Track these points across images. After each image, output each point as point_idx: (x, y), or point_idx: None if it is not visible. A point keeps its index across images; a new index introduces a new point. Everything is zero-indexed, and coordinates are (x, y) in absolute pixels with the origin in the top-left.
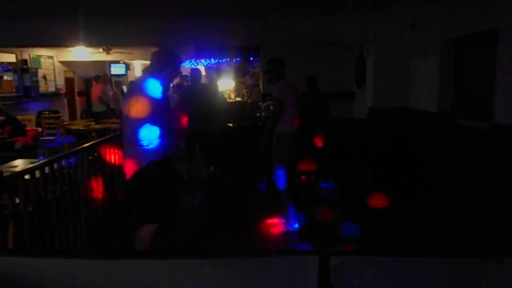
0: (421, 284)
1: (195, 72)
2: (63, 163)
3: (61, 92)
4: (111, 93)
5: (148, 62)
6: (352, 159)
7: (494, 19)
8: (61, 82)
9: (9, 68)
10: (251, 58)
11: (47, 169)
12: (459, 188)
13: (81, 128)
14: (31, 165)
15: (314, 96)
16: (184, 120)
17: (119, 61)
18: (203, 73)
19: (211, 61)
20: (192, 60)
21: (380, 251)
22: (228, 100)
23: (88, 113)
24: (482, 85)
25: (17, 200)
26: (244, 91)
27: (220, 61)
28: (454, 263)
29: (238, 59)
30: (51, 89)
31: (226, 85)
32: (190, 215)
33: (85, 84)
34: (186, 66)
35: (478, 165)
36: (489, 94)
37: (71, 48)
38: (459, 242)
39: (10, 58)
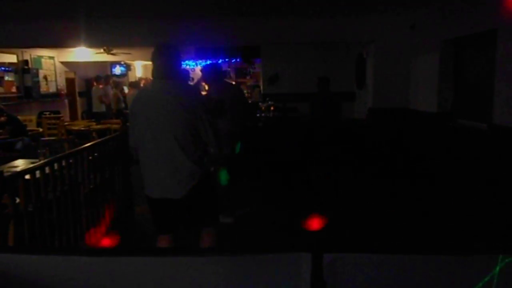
0: (416, 282)
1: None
2: (63, 163)
3: (62, 92)
4: (111, 93)
5: (149, 63)
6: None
7: (492, 20)
8: (62, 83)
9: (10, 68)
10: (252, 59)
11: (47, 169)
12: (458, 187)
13: (82, 128)
14: (31, 165)
15: (327, 98)
16: None
17: (120, 61)
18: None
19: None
20: (191, 61)
21: (375, 248)
22: None
23: (89, 113)
24: (481, 85)
25: (18, 200)
26: (245, 91)
27: (221, 61)
28: (451, 261)
29: (238, 59)
30: (52, 89)
31: None
32: None
33: (86, 84)
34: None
35: (477, 164)
36: (488, 95)
37: (72, 49)
38: (457, 240)
39: (11, 58)
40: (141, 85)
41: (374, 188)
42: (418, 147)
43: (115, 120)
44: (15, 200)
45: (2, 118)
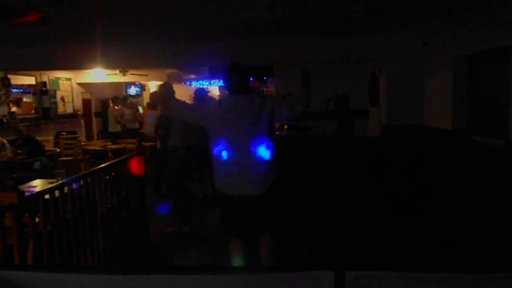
0: None
1: (200, 92)
2: (82, 182)
3: (79, 113)
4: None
5: (161, 83)
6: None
7: (506, 37)
8: (78, 104)
9: (29, 90)
10: (265, 78)
11: (65, 189)
12: (474, 206)
13: (98, 148)
14: (50, 185)
15: (346, 116)
16: None
17: (135, 82)
18: (217, 92)
19: None
20: (205, 81)
21: (397, 266)
22: None
23: (105, 133)
24: (496, 102)
25: (37, 219)
26: None
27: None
28: (471, 279)
29: (251, 78)
30: (69, 110)
31: None
32: (204, 233)
33: (101, 105)
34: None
35: (494, 182)
36: (504, 111)
37: (88, 70)
38: (476, 258)
39: (30, 80)
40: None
41: (389, 205)
42: (433, 164)
43: (130, 140)
44: (35, 219)
45: (20, 142)
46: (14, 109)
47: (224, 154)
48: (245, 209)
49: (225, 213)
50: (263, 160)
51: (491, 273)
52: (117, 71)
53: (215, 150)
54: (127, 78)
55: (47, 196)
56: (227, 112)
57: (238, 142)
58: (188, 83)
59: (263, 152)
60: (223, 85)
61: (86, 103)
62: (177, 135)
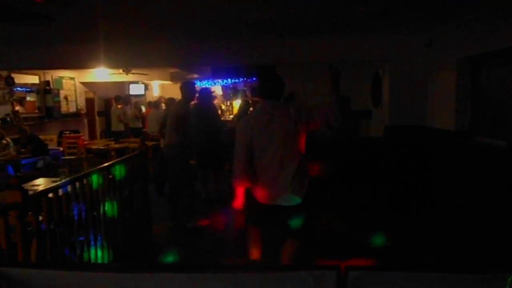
0: None
1: (204, 91)
2: (84, 181)
3: (82, 112)
4: (129, 113)
5: (166, 82)
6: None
7: (510, 38)
8: (81, 103)
9: (32, 89)
10: None
11: (69, 187)
12: (477, 206)
13: (101, 147)
14: (53, 184)
15: (347, 117)
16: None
17: (138, 81)
18: (220, 92)
19: (227, 81)
20: (209, 80)
21: (399, 266)
22: None
23: (108, 132)
24: (499, 103)
25: (40, 218)
26: None
27: (237, 80)
28: (471, 279)
29: (254, 78)
30: (72, 109)
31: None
32: (206, 232)
33: (104, 104)
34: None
35: (497, 183)
36: (507, 112)
37: (91, 69)
38: (479, 259)
39: (33, 79)
40: (162, 104)
41: (391, 206)
42: (435, 164)
43: (133, 139)
44: (38, 218)
45: (24, 140)
46: (17, 108)
47: (261, 161)
48: (276, 218)
49: (253, 214)
50: (297, 170)
51: (491, 273)
52: (120, 71)
53: (254, 158)
54: (130, 77)
55: (50, 195)
56: (262, 118)
57: (274, 149)
58: None
59: (298, 161)
60: (254, 91)
61: (89, 102)
62: (170, 134)
